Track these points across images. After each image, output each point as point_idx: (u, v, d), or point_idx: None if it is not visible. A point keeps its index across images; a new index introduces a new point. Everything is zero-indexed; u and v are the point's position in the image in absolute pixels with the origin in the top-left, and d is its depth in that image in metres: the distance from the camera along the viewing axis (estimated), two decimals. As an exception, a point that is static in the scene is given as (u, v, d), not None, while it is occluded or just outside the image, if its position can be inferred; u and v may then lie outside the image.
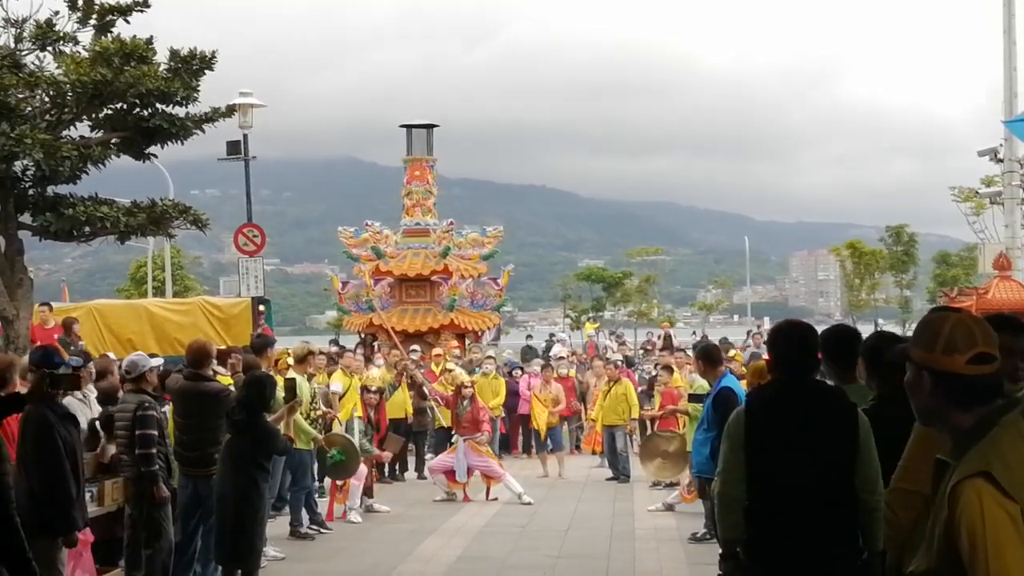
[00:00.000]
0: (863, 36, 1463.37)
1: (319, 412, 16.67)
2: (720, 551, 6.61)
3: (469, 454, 19.02)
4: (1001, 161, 32.80)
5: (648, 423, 22.65)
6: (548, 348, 36.28)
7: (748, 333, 37.62)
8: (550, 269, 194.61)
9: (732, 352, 22.29)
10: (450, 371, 22.60)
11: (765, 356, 12.11)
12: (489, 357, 24.43)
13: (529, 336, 45.78)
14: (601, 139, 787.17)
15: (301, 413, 15.26)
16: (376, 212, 43.03)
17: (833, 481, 6.09)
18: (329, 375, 18.76)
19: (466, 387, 19.85)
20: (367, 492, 17.90)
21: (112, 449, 11.18)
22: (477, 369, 24.34)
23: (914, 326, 4.11)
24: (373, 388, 18.95)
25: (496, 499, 18.99)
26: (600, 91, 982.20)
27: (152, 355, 12.31)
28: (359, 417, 18.24)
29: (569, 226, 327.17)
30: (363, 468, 17.27)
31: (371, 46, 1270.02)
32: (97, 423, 11.45)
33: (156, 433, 10.71)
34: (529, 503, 18.44)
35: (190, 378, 11.63)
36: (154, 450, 10.67)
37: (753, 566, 6.37)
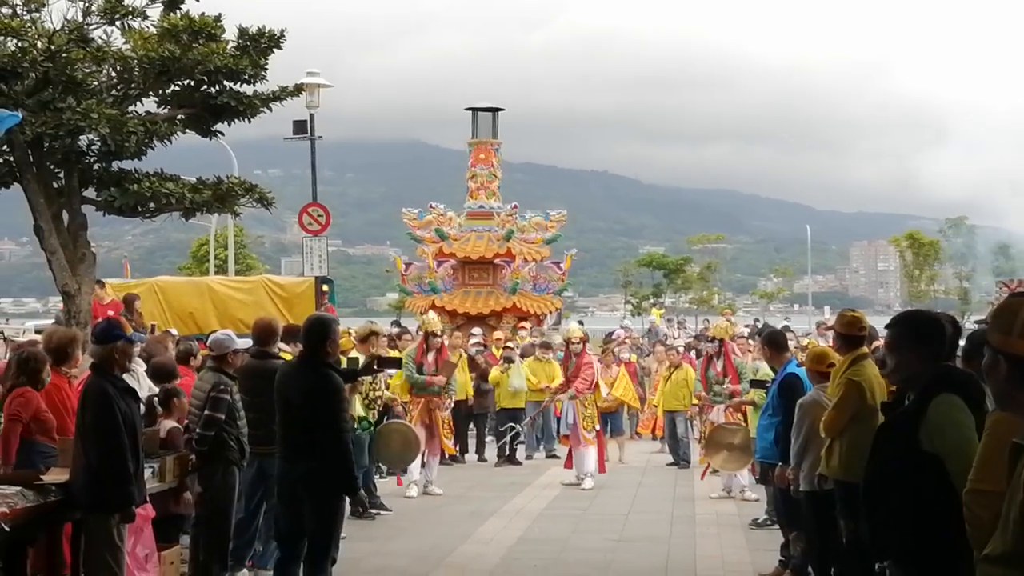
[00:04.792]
0: (915, 29, 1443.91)
1: (379, 393, 16.57)
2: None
3: (572, 411, 18.93)
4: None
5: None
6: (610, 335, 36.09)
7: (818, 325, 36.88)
8: (611, 255, 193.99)
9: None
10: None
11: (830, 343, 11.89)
12: (546, 343, 23.90)
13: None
14: (660, 126, 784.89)
15: (361, 394, 15.30)
16: (437, 194, 43.12)
17: None
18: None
19: (574, 343, 19.27)
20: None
21: (169, 424, 11.10)
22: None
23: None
24: (439, 331, 18.36)
25: (572, 483, 18.80)
26: (657, 80, 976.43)
27: (241, 336, 12.32)
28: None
29: (630, 212, 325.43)
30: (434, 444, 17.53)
31: (428, 28, 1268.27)
32: (155, 399, 11.39)
33: (223, 416, 10.64)
34: (588, 488, 18.32)
35: (256, 356, 11.56)
36: (212, 432, 10.58)
37: None
